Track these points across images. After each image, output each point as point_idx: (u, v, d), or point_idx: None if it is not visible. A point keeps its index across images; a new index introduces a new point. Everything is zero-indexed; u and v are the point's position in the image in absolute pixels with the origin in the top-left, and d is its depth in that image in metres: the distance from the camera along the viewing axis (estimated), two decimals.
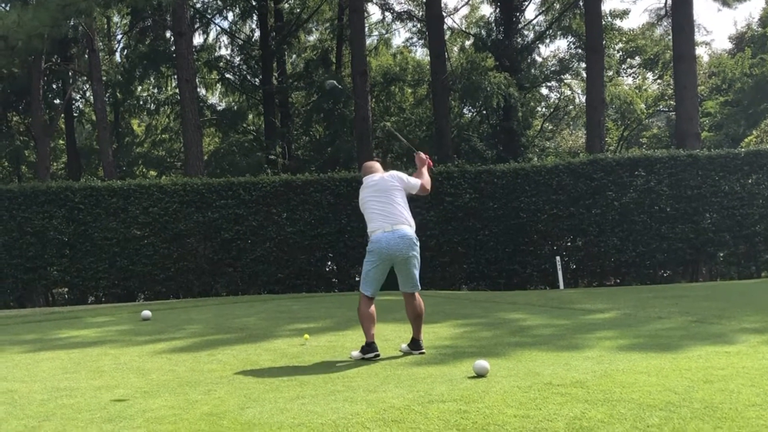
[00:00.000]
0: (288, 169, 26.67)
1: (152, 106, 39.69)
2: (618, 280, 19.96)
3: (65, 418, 5.83)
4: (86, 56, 29.70)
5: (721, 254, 20.51)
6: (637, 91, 41.44)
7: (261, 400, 6.02)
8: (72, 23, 24.99)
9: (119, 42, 40.26)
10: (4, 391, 6.83)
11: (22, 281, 18.82)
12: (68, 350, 9.20)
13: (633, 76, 44.22)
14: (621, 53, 41.94)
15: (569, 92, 40.33)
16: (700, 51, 42.21)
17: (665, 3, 31.94)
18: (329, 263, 20.14)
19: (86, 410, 6.00)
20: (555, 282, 18.50)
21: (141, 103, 39.52)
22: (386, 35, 40.58)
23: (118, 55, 39.83)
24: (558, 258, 18.48)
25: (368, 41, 34.06)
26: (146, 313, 12.03)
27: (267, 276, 19.21)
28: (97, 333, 10.77)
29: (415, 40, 39.89)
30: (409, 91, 39.55)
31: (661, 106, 41.79)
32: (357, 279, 20.00)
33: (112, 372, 7.61)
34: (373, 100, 34.20)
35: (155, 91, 39.72)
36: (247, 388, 6.49)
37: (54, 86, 35.90)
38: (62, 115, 34.92)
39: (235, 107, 39.66)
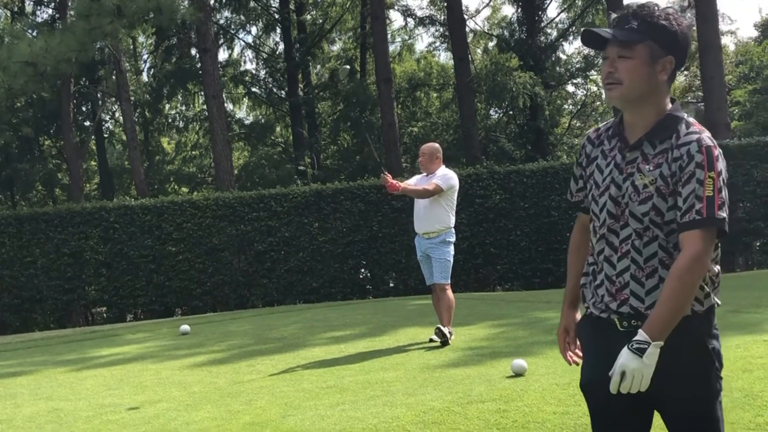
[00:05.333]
0: (317, 179, 26.76)
1: (181, 124, 40.06)
2: None
3: None
4: (114, 77, 30.08)
5: (757, 243, 20.31)
6: None
7: (302, 408, 6.08)
8: (98, 46, 25.30)
9: (145, 62, 40.69)
10: (50, 410, 6.96)
11: (62, 302, 19.06)
12: (110, 367, 9.33)
13: None
14: None
15: (595, 88, 40.12)
16: (726, 40, 41.79)
17: None
18: (363, 270, 20.19)
19: (131, 425, 6.10)
20: None
21: (170, 121, 39.91)
22: (409, 41, 40.63)
23: (145, 74, 40.26)
24: None
25: (391, 48, 34.14)
26: (185, 327, 12.14)
27: (302, 286, 19.30)
28: (138, 349, 10.90)
29: (438, 44, 39.89)
30: (435, 95, 39.54)
31: (689, 98, 41.46)
32: (391, 285, 20.05)
33: (155, 387, 7.71)
34: (399, 106, 34.25)
35: (183, 108, 40.06)
36: (288, 396, 6.55)
37: (83, 108, 36.32)
38: (93, 136, 35.35)
39: (263, 120, 39.89)
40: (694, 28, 22.27)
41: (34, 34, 23.61)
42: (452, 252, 8.53)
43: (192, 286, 19.11)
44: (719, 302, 2.85)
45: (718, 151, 2.72)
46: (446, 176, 8.47)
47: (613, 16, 2.84)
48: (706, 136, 2.77)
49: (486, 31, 39.76)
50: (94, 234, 18.95)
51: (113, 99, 34.71)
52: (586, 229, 3.08)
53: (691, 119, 2.83)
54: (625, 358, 2.60)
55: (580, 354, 3.08)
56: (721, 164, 2.71)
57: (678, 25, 2.77)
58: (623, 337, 2.74)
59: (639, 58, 2.74)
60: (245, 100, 39.42)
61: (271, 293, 19.39)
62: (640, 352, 2.58)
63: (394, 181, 8.32)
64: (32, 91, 26.61)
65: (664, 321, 2.61)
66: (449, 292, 8.46)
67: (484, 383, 6.14)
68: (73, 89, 29.75)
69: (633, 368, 2.58)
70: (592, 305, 2.93)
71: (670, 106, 2.85)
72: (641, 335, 2.60)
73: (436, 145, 8.90)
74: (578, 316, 3.12)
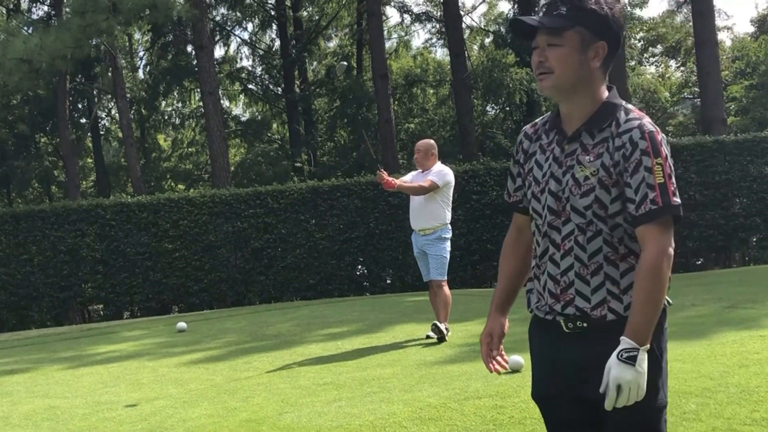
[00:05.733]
0: (314, 176, 26.74)
1: (177, 121, 40.00)
2: None
3: (107, 431, 5.92)
4: (110, 74, 29.95)
5: (754, 239, 20.33)
6: (660, 79, 41.15)
7: (298, 404, 6.08)
8: (94, 43, 25.25)
9: (141, 59, 40.59)
10: (47, 408, 6.95)
11: (58, 299, 19.04)
12: (107, 365, 9.33)
13: (656, 65, 43.93)
14: (642, 42, 41.67)
15: None
16: (722, 36, 41.81)
17: None
18: (359, 267, 20.19)
19: (127, 422, 6.10)
20: None
21: (166, 117, 39.84)
22: (405, 37, 40.54)
23: (141, 71, 40.16)
24: None
25: (388, 44, 34.07)
26: (181, 324, 12.14)
27: (298, 283, 19.29)
28: (134, 346, 10.90)
29: (434, 40, 39.84)
30: (431, 91, 39.51)
31: (685, 94, 41.46)
32: (388, 281, 20.04)
33: (151, 384, 7.71)
34: (396, 102, 34.21)
35: (179, 105, 40.01)
36: (284, 393, 6.55)
37: (80, 105, 36.30)
38: (89, 133, 35.27)
39: (259, 117, 39.85)
40: (690, 23, 22.24)
41: (30, 31, 23.56)
42: (449, 248, 8.53)
43: (189, 283, 19.09)
44: (670, 301, 2.74)
45: (661, 136, 2.59)
46: (442, 172, 8.47)
47: (543, 1, 2.75)
48: (647, 121, 2.62)
49: (482, 27, 39.72)
50: (90, 231, 18.93)
51: (109, 96, 34.62)
52: (521, 231, 2.98)
53: (630, 106, 2.70)
54: (617, 370, 2.47)
55: (504, 362, 2.96)
56: (666, 149, 2.59)
57: (609, 9, 2.64)
58: (570, 339, 2.67)
59: (569, 45, 2.62)
60: (241, 97, 39.36)
61: (267, 290, 19.37)
62: (631, 360, 2.47)
63: (390, 178, 8.32)
64: (28, 88, 26.55)
65: (646, 322, 2.51)
66: (446, 288, 8.46)
67: (481, 379, 6.14)
68: (69, 86, 29.68)
69: (629, 380, 2.46)
70: (536, 308, 2.82)
71: (606, 93, 2.73)
72: (627, 342, 2.48)
73: (432, 141, 8.90)
74: (505, 321, 3.01)
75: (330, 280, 19.30)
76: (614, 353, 2.49)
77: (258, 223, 19.18)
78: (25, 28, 24.60)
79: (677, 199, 2.55)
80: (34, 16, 31.61)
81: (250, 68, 39.09)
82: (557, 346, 2.72)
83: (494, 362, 2.96)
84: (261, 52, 38.54)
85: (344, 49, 38.21)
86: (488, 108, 37.10)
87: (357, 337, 9.47)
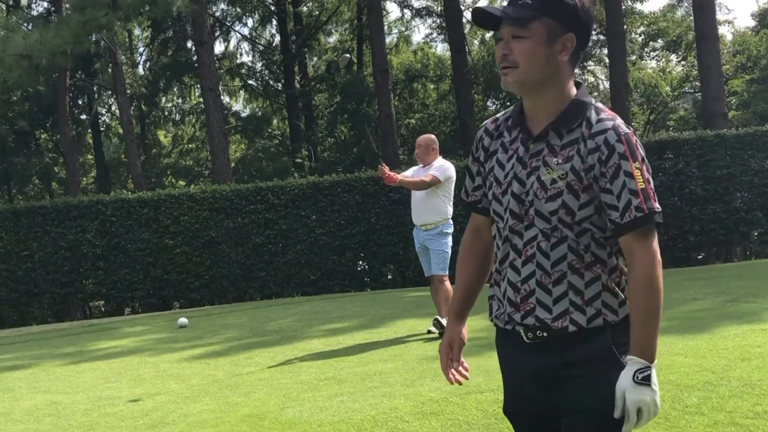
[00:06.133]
0: (315, 172, 26.74)
1: (177, 117, 40.04)
2: None
3: (109, 426, 5.92)
4: (110, 70, 29.95)
5: (755, 233, 20.31)
6: (661, 73, 41.09)
7: (300, 399, 6.08)
8: (94, 39, 25.23)
9: (141, 55, 40.62)
10: (48, 403, 6.95)
11: (59, 296, 19.04)
12: (108, 360, 9.33)
13: (656, 59, 43.86)
14: (643, 36, 41.61)
15: (593, 79, 40.09)
16: (723, 30, 41.71)
17: None
18: (360, 262, 20.18)
19: (129, 418, 6.10)
20: None
21: (166, 114, 39.88)
22: (406, 32, 40.54)
23: (141, 67, 40.19)
24: None
25: (388, 39, 34.06)
26: (183, 320, 12.14)
27: (299, 278, 19.28)
28: (136, 342, 10.90)
29: (435, 35, 39.85)
30: (432, 86, 39.49)
31: (686, 88, 41.41)
32: (389, 277, 20.05)
33: (153, 379, 7.71)
34: (396, 97, 34.20)
35: (179, 101, 40.04)
36: (286, 388, 6.55)
37: (80, 102, 36.30)
38: (89, 130, 35.28)
39: (260, 113, 39.85)
40: (691, 17, 22.18)
41: (29, 27, 23.54)
42: (450, 243, 8.53)
43: (190, 279, 19.09)
44: None
45: (635, 138, 2.44)
46: (443, 167, 8.47)
47: None
48: (621, 122, 2.46)
49: None
50: (91, 227, 18.92)
51: (109, 92, 34.61)
52: (478, 232, 2.78)
53: (600, 105, 2.52)
54: (635, 393, 2.33)
55: (465, 371, 2.85)
56: (642, 151, 2.43)
57: None
58: (530, 351, 2.53)
59: (535, 37, 2.42)
60: (242, 92, 39.37)
61: (268, 286, 19.37)
62: (647, 380, 2.34)
63: (392, 173, 8.31)
64: (28, 84, 26.57)
65: (652, 337, 2.38)
66: (447, 283, 8.46)
67: (482, 374, 6.14)
68: (69, 82, 29.68)
69: (648, 402, 2.34)
70: (495, 317, 2.68)
71: (575, 90, 2.52)
72: (638, 363, 2.36)
73: (432, 136, 8.90)
74: (464, 329, 2.88)
75: (331, 276, 19.30)
76: (627, 375, 2.36)
77: (259, 219, 19.17)
78: (25, 24, 24.58)
79: (658, 205, 2.41)
80: (34, 12, 31.63)
81: (250, 64, 39.10)
82: (518, 359, 2.59)
83: (455, 373, 2.86)
84: (261, 48, 38.52)
85: (344, 45, 38.20)
86: (489, 103, 37.08)
87: (358, 333, 9.47)
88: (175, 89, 37.69)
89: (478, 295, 2.85)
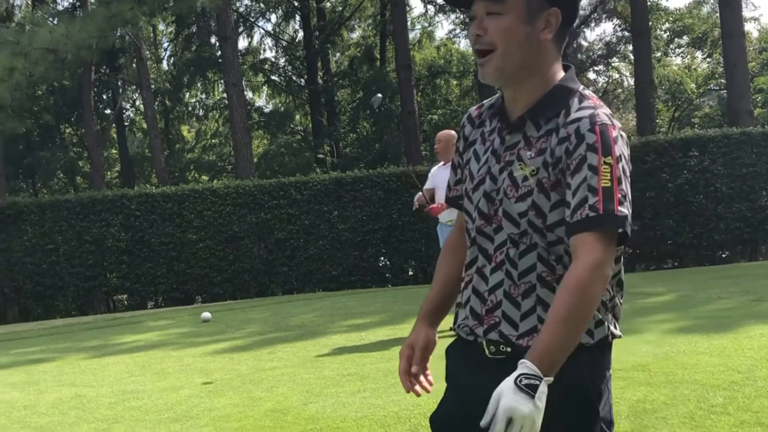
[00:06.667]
0: (337, 167, 26.76)
1: (201, 112, 40.23)
2: (676, 263, 19.68)
3: (134, 419, 5.96)
4: (134, 65, 30.20)
5: None
6: (686, 70, 40.80)
7: (323, 395, 6.09)
8: (119, 33, 25.36)
9: (166, 50, 40.84)
10: (73, 396, 7.00)
11: (83, 289, 19.18)
12: (132, 354, 9.39)
13: (682, 56, 43.54)
14: (668, 33, 41.33)
15: (617, 75, 39.87)
16: (749, 27, 41.31)
17: None
18: (382, 258, 20.19)
19: (153, 411, 6.13)
20: None
21: (190, 109, 40.09)
22: (429, 28, 40.46)
23: (165, 62, 40.40)
24: None
25: (411, 35, 34.01)
26: (206, 314, 12.20)
27: (321, 274, 19.32)
28: (159, 336, 10.97)
29: (458, 31, 39.71)
30: (455, 82, 39.41)
31: (711, 85, 41.10)
32: (410, 273, 20.04)
33: (176, 373, 7.75)
34: (419, 93, 34.17)
35: (203, 96, 40.20)
36: (309, 384, 6.56)
37: (104, 96, 36.55)
38: (114, 124, 35.53)
39: (282, 108, 39.94)
40: (717, 14, 21.98)
41: (55, 21, 23.69)
42: None
43: (212, 273, 19.17)
44: (619, 334, 2.21)
45: (617, 132, 2.05)
46: None
47: None
48: (603, 112, 2.09)
49: None
50: (115, 221, 19.03)
51: (134, 87, 34.86)
52: (463, 231, 2.36)
53: (588, 92, 2.18)
54: (511, 399, 1.87)
55: (428, 383, 2.37)
56: (622, 149, 2.05)
57: None
58: (492, 365, 2.14)
59: (512, 12, 2.09)
60: (265, 88, 39.47)
61: (290, 281, 19.42)
62: (531, 389, 1.88)
63: (435, 205, 8.33)
64: (53, 79, 26.73)
65: (556, 348, 1.95)
66: None
67: None
68: (94, 77, 29.88)
69: (524, 414, 1.86)
70: (457, 327, 2.34)
71: (562, 74, 2.21)
72: (528, 367, 1.91)
73: (453, 132, 8.82)
74: (434, 333, 2.44)
75: (352, 272, 19.32)
76: (510, 378, 1.91)
77: (281, 214, 19.21)
78: (51, 18, 24.73)
79: (624, 210, 1.99)
80: (60, 7, 31.86)
81: (273, 59, 39.23)
82: (478, 372, 2.21)
83: (412, 380, 2.35)
84: (284, 44, 38.61)
85: (367, 40, 38.19)
86: None
87: (380, 329, 9.47)
88: (198, 84, 37.84)
89: (456, 296, 2.42)
